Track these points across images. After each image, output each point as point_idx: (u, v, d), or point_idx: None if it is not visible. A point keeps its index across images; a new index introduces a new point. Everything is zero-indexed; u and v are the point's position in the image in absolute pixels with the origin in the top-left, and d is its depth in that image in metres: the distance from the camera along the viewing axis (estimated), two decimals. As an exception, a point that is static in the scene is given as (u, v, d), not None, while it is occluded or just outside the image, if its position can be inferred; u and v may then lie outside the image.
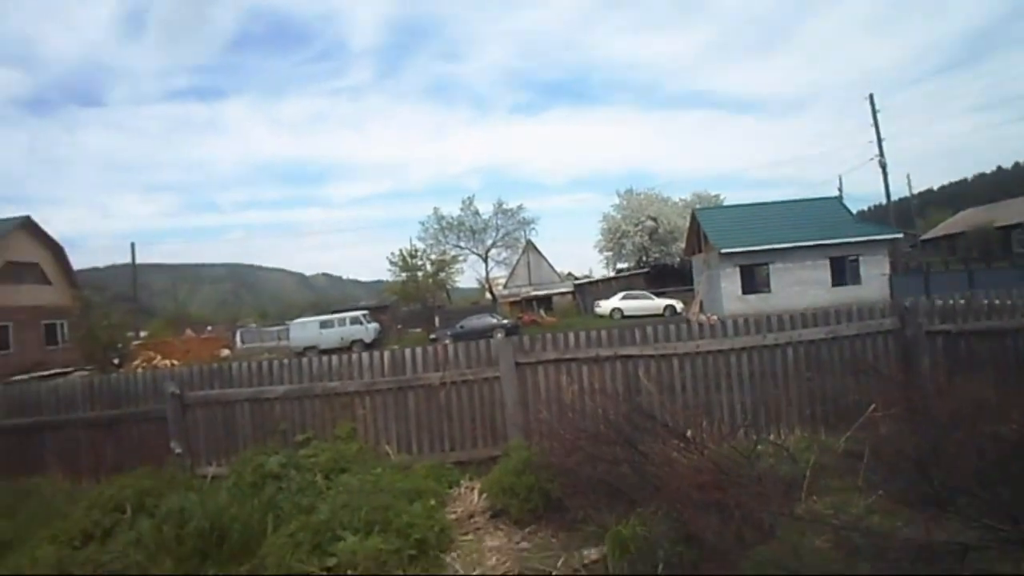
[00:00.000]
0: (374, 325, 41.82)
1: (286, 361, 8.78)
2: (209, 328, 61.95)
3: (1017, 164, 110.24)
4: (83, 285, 41.00)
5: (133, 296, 53.84)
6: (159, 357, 37.50)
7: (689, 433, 5.98)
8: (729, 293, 36.43)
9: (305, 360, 8.77)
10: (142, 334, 49.71)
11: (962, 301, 8.12)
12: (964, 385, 5.55)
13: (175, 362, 32.86)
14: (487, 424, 8.19)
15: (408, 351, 8.54)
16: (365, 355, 8.51)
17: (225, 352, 43.23)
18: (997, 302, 8.02)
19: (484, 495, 6.70)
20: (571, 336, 8.28)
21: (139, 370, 19.59)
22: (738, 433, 7.41)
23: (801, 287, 34.96)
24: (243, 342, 49.38)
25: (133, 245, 54.18)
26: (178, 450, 8.21)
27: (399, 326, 49.61)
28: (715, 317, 11.92)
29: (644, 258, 61.18)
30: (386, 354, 8.51)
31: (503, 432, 8.08)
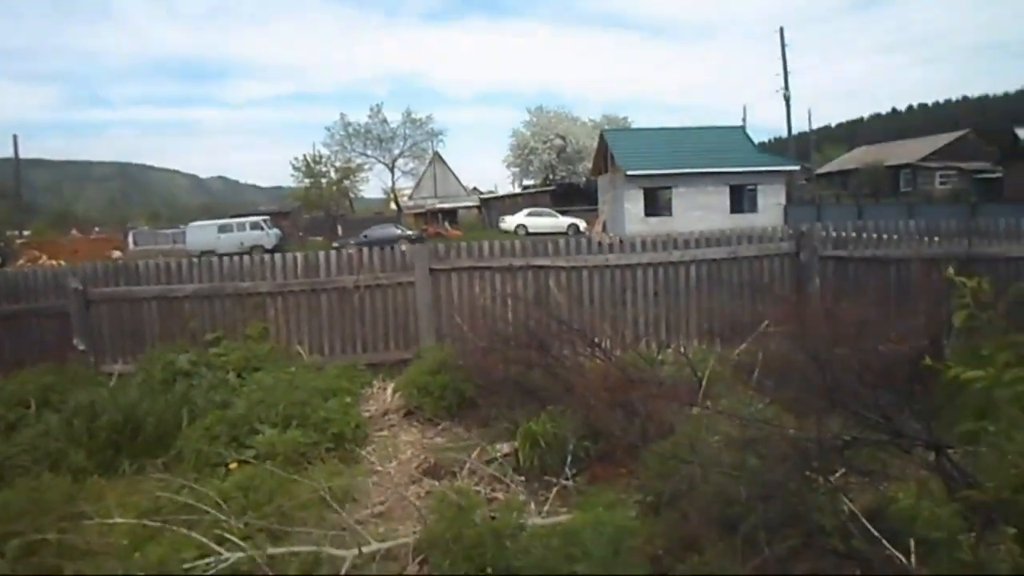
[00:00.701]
0: (275, 231, 41.08)
1: (195, 260, 8.63)
2: (97, 229, 59.36)
3: (911, 107, 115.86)
4: (-43, 177, 38.36)
5: (16, 192, 50.80)
6: (45, 257, 35.86)
7: (597, 340, 6.30)
8: (632, 215, 37.24)
9: (215, 259, 8.61)
10: (25, 233, 47.22)
11: (853, 232, 8.67)
12: (850, 306, 5.98)
13: (62, 262, 31.33)
14: (400, 328, 8.34)
15: (322, 254, 8.53)
16: (278, 256, 8.46)
17: (117, 254, 41.50)
18: (885, 236, 8.60)
19: (398, 394, 6.87)
20: (485, 245, 8.44)
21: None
22: (642, 342, 7.86)
23: (701, 212, 35.86)
24: (136, 244, 47.63)
25: (16, 138, 51.08)
26: (81, 347, 8.02)
27: (300, 233, 48.79)
28: (617, 237, 12.18)
29: (551, 176, 61.53)
30: (299, 256, 8.49)
31: (415, 336, 8.25)
